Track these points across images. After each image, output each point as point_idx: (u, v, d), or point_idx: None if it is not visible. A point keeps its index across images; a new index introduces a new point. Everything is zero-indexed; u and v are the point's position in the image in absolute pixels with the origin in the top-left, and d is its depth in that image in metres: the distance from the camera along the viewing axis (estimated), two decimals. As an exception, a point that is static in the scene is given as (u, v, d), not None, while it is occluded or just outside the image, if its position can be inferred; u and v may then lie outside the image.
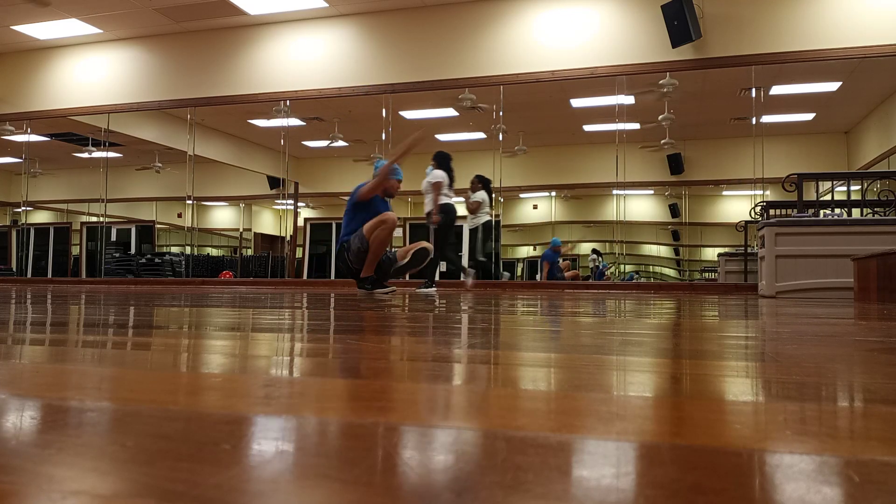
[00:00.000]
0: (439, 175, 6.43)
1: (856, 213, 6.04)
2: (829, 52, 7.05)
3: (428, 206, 6.46)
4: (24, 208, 10.94)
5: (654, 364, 0.88)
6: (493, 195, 7.73)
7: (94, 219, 10.60)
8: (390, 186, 4.87)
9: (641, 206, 10.21)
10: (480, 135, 9.57)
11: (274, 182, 10.67)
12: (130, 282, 9.29)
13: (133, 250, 10.64)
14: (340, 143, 10.33)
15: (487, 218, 7.52)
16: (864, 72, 7.48)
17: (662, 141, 9.06)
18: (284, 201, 10.54)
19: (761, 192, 8.05)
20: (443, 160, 6.59)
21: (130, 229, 10.88)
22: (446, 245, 6.57)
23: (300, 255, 10.14)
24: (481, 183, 7.43)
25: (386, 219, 4.60)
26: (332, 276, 9.00)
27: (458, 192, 6.86)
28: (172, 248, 11.39)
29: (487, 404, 0.58)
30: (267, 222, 12.40)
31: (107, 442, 0.44)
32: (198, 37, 9.24)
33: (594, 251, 10.66)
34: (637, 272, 10.14)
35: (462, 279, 6.96)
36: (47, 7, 8.32)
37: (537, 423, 0.51)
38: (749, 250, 7.43)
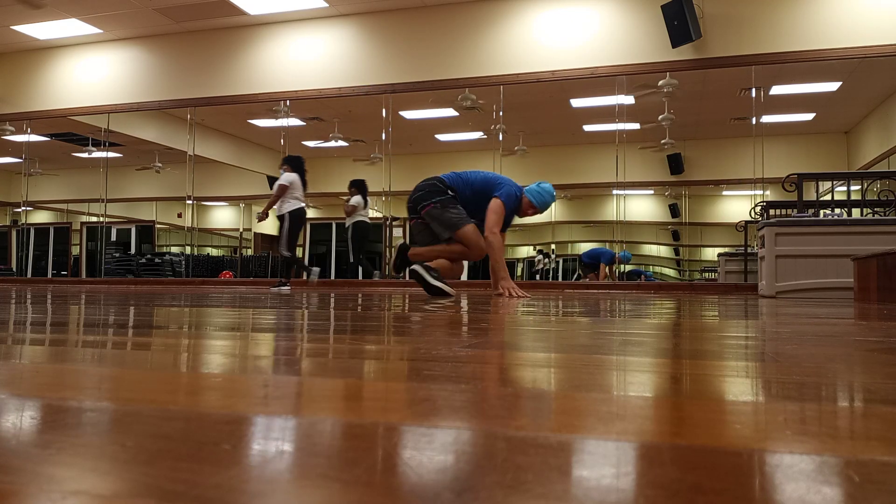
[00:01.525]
0: (289, 178, 6.74)
1: (856, 213, 6.04)
2: (829, 52, 7.05)
3: (280, 207, 6.76)
4: (24, 208, 10.94)
5: (654, 364, 0.88)
6: (368, 198, 8.40)
7: (94, 219, 10.61)
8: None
9: (641, 206, 10.21)
10: (480, 135, 9.57)
11: (274, 182, 10.66)
12: (130, 282, 9.29)
13: (133, 250, 10.64)
14: (342, 142, 10.33)
15: (359, 219, 8.13)
16: (864, 72, 7.48)
17: (662, 141, 9.07)
18: (284, 201, 10.53)
19: (761, 192, 8.05)
20: (296, 163, 6.91)
21: (130, 229, 10.88)
22: (294, 245, 6.88)
23: (300, 256, 10.14)
24: (356, 187, 8.16)
25: (473, 246, 4.16)
26: (332, 277, 9.01)
27: (338, 196, 7.24)
28: (172, 248, 11.39)
29: (487, 404, 0.58)
30: (267, 222, 12.39)
31: (107, 442, 0.44)
32: (198, 37, 9.24)
33: (540, 251, 10.71)
34: (642, 271, 10.11)
35: (306, 278, 7.14)
36: (41, 9, 8.32)
37: (537, 423, 0.51)
38: (749, 250, 7.43)
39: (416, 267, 4.07)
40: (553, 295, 4.94)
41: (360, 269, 8.60)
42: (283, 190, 6.70)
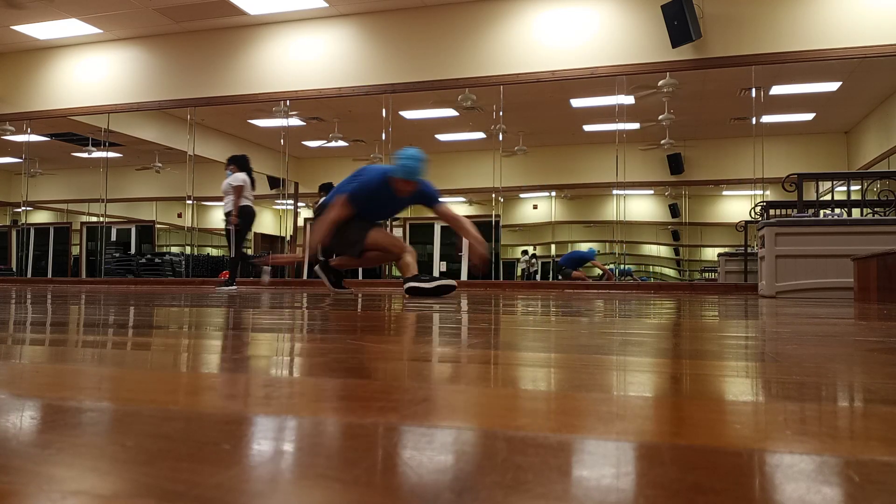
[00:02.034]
0: (241, 178, 6.67)
1: (856, 213, 6.04)
2: (829, 52, 7.05)
3: (227, 206, 6.69)
4: (24, 208, 10.94)
5: (654, 364, 0.88)
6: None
7: (94, 219, 10.61)
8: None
9: (641, 206, 10.21)
10: (480, 135, 9.57)
11: (274, 182, 10.67)
12: (130, 282, 9.29)
13: (133, 250, 10.64)
14: (342, 142, 10.33)
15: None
16: (864, 72, 7.48)
17: (662, 141, 9.06)
18: (284, 201, 10.55)
19: (761, 192, 8.05)
20: (243, 163, 6.84)
21: (130, 229, 10.88)
22: (241, 245, 6.83)
23: (300, 256, 10.15)
24: (324, 190, 8.41)
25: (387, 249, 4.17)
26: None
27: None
28: (172, 248, 11.38)
29: (487, 404, 0.58)
30: (267, 222, 12.40)
31: (107, 442, 0.44)
32: (198, 37, 9.24)
33: (524, 252, 10.74)
34: (630, 272, 10.07)
35: (261, 277, 7.16)
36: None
37: (537, 423, 0.51)
38: (749, 250, 7.43)
39: (410, 284, 4.07)
40: (552, 295, 4.95)
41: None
42: (241, 190, 6.67)
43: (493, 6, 8.13)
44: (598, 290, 7.03)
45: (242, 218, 6.70)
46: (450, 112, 9.31)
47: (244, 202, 6.71)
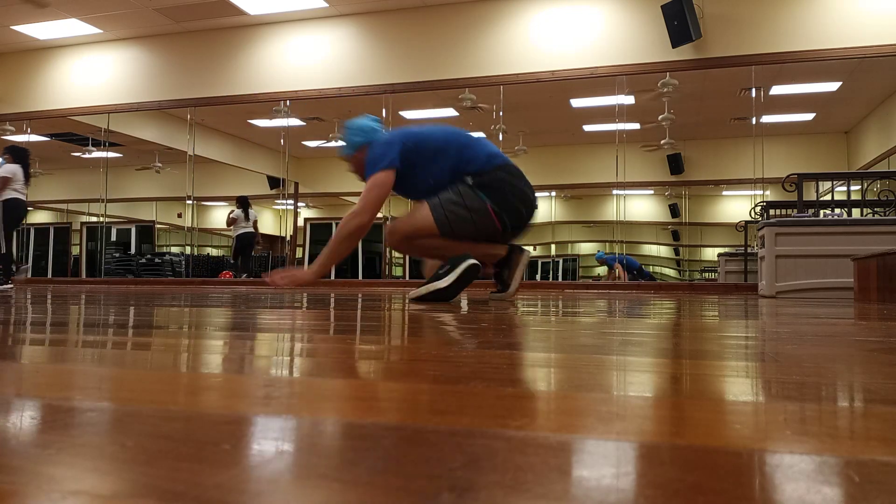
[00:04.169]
0: (9, 169, 6.54)
1: (856, 213, 6.04)
2: (829, 52, 7.06)
3: None
4: (24, 208, 10.94)
5: (654, 364, 0.87)
6: (251, 211, 10.00)
7: (94, 219, 10.61)
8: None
9: (641, 206, 10.21)
10: (480, 135, 9.58)
11: (274, 182, 10.68)
12: (130, 282, 9.29)
13: (133, 250, 10.64)
14: (342, 142, 10.35)
15: (242, 231, 9.85)
16: (864, 72, 7.48)
17: (662, 141, 9.07)
18: (284, 201, 10.56)
19: (761, 192, 8.06)
20: (20, 155, 6.71)
21: (130, 229, 10.88)
22: (11, 240, 6.69)
23: (300, 255, 10.15)
24: (238, 203, 9.87)
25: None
26: (332, 277, 9.01)
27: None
28: (172, 248, 11.40)
29: (487, 404, 0.58)
30: (267, 222, 12.41)
31: (107, 442, 0.44)
32: (198, 37, 9.25)
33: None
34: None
35: (12, 278, 6.96)
36: (46, 8, 8.34)
37: (537, 423, 0.51)
38: (749, 250, 7.43)
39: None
40: (552, 295, 4.95)
41: (245, 274, 9.68)
42: (5, 182, 6.50)
43: (492, 6, 8.13)
44: (598, 291, 7.04)
45: (9, 209, 6.51)
46: (450, 112, 9.31)
47: (14, 195, 6.55)
